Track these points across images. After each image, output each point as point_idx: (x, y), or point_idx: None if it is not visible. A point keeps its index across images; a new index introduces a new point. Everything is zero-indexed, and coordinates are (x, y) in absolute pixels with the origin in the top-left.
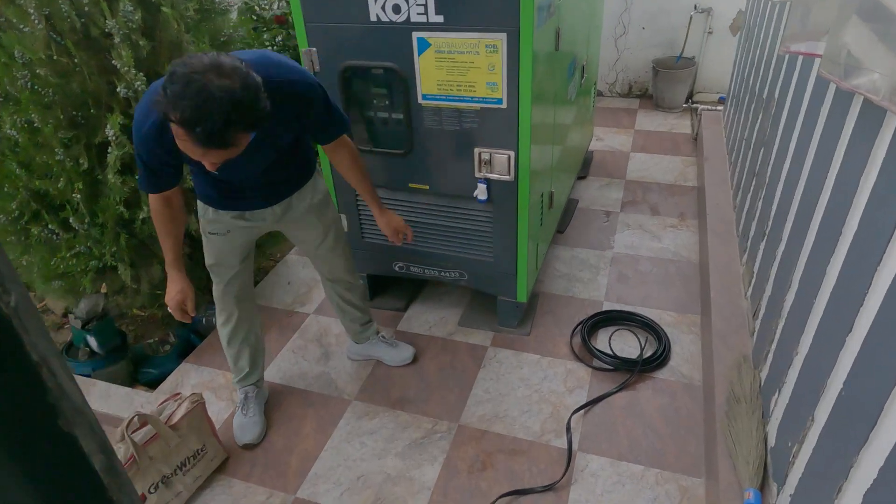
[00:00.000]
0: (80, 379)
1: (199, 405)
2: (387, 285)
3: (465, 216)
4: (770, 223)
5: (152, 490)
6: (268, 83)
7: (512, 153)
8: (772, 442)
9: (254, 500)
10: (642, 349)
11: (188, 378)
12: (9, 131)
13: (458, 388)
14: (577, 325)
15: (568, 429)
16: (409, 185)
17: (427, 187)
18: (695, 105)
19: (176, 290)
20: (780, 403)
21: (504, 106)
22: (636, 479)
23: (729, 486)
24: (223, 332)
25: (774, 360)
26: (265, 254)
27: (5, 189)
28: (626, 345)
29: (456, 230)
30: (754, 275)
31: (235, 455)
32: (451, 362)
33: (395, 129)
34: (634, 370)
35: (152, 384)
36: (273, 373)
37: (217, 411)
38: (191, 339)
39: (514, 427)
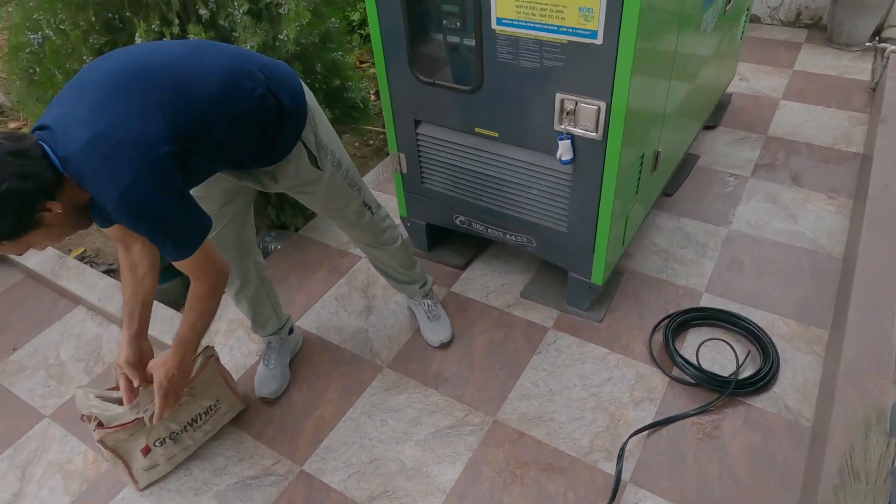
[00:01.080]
0: None
1: (211, 361)
2: (448, 237)
3: (538, 174)
4: None
5: (157, 444)
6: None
7: (603, 104)
8: None
9: (258, 464)
10: (740, 365)
11: (226, 312)
12: (47, 31)
13: (504, 374)
14: (663, 320)
15: (622, 454)
16: (476, 129)
17: (496, 135)
18: (882, 44)
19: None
20: None
21: (599, 42)
22: None
23: None
24: None
25: None
26: None
27: (48, 95)
28: (721, 356)
29: (526, 189)
30: None
31: (254, 407)
32: (503, 340)
33: (465, 58)
34: (724, 391)
35: None
36: (311, 321)
37: (247, 354)
38: None
39: (559, 436)
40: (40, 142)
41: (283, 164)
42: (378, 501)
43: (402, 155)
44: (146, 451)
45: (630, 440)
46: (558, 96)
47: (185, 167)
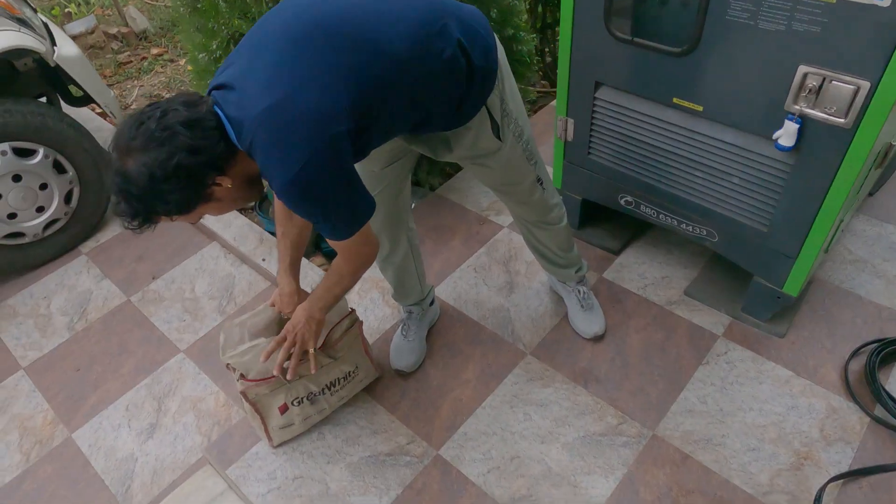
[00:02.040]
0: (267, 237)
1: (356, 326)
2: (603, 217)
3: (745, 161)
4: None
5: (295, 403)
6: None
7: (867, 84)
8: None
9: (393, 440)
10: None
11: None
12: None
13: (664, 382)
14: (863, 346)
15: (819, 501)
16: (675, 99)
17: (701, 108)
18: None
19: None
20: None
21: (884, 4)
22: None
23: None
24: None
25: None
26: None
27: (210, 25)
28: None
29: (725, 176)
30: None
31: (388, 377)
32: (662, 343)
33: (680, 13)
34: None
35: (330, 256)
36: (448, 290)
37: (381, 318)
38: None
39: (731, 466)
40: (215, 107)
41: (461, 130)
42: None
43: (571, 121)
44: (284, 408)
45: (826, 488)
46: (801, 69)
47: (359, 141)
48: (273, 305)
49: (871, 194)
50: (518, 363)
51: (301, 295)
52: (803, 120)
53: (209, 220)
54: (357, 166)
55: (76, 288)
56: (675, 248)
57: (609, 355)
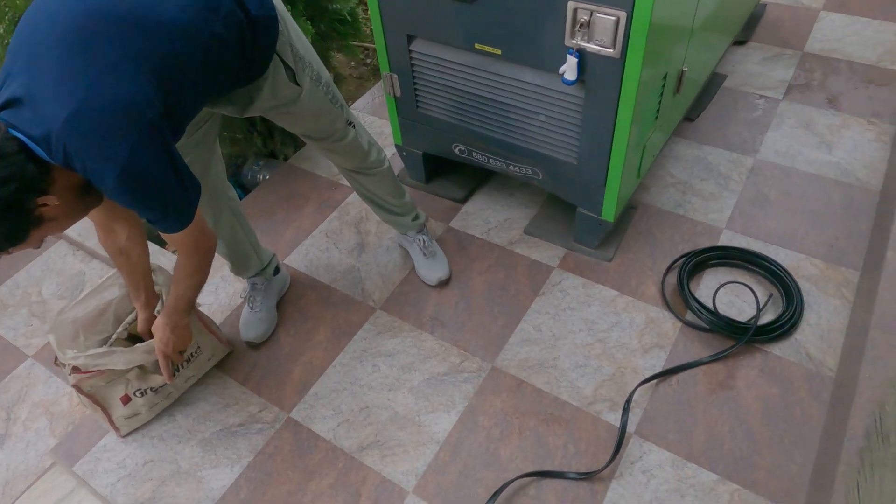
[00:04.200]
0: None
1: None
2: (448, 168)
3: (545, 98)
4: None
5: (138, 394)
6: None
7: (623, 14)
8: None
9: (245, 410)
10: (760, 309)
11: None
12: None
13: (504, 318)
14: (678, 260)
15: (627, 405)
16: (476, 45)
17: (499, 52)
18: None
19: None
20: None
21: None
22: (704, 492)
23: None
24: None
25: None
26: None
27: None
28: (739, 299)
29: (532, 115)
30: None
31: (239, 351)
32: (503, 281)
33: None
34: (742, 338)
35: None
36: (300, 258)
37: (232, 294)
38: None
39: (561, 385)
40: (10, 130)
41: (259, 82)
42: (368, 451)
43: (395, 76)
44: (126, 399)
45: (637, 390)
46: (571, 5)
47: (173, 121)
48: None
49: (691, 119)
50: (368, 319)
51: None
52: (581, 54)
53: None
54: None
55: None
56: (515, 191)
57: (454, 300)
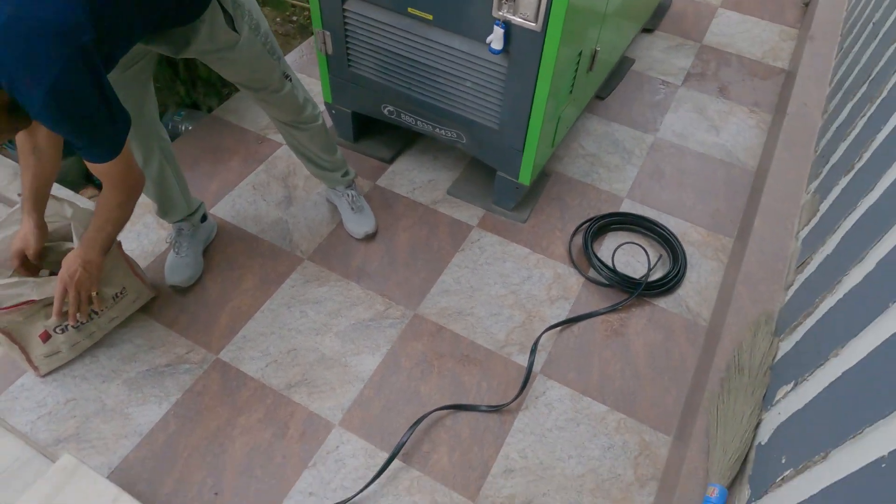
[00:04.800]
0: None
1: (113, 247)
2: (376, 129)
3: (471, 66)
4: (866, 156)
5: (58, 331)
6: None
7: None
8: (763, 438)
9: (171, 351)
10: (650, 268)
11: None
12: None
13: (426, 271)
14: (584, 224)
15: (534, 348)
16: (409, 9)
17: (431, 17)
18: None
19: (20, 234)
20: (791, 400)
21: None
22: (595, 420)
23: (693, 472)
24: None
25: (804, 341)
26: None
27: None
28: (635, 259)
29: (459, 81)
30: (818, 214)
31: (165, 296)
32: (426, 238)
33: None
34: (634, 292)
35: (101, 187)
36: (226, 209)
37: (156, 241)
38: None
39: (477, 331)
40: None
41: (196, 24)
42: (296, 389)
43: (328, 33)
44: (45, 336)
45: (543, 335)
46: None
47: (103, 50)
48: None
49: (601, 98)
50: (296, 268)
51: (44, 229)
52: (507, 25)
53: None
54: None
55: None
56: (440, 154)
57: (380, 253)
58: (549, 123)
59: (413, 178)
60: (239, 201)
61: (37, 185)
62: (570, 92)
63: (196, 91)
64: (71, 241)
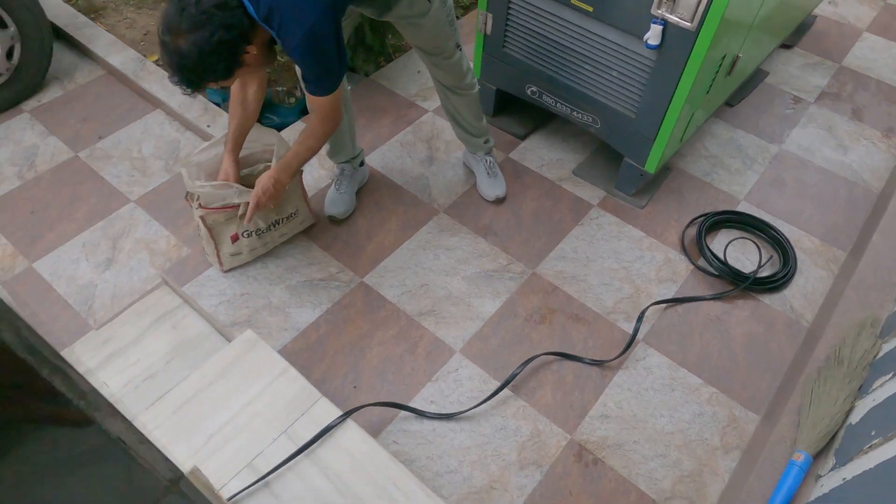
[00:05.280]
0: (211, 107)
1: (299, 175)
2: (513, 107)
3: (621, 57)
4: None
5: (245, 235)
6: None
7: None
8: (854, 419)
9: (326, 269)
10: (761, 265)
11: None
12: None
13: (546, 237)
14: (699, 217)
15: (641, 317)
16: (572, 0)
17: (591, 9)
18: None
19: (222, 169)
20: (888, 388)
21: None
22: (689, 390)
23: (781, 439)
24: None
25: None
26: (399, 36)
27: None
28: (745, 256)
29: (606, 70)
30: None
31: (322, 224)
32: (549, 209)
33: None
34: (741, 284)
35: None
36: (376, 159)
37: (317, 178)
38: None
39: (588, 295)
40: None
41: None
42: (426, 316)
43: (490, 15)
44: (235, 238)
45: (649, 308)
46: None
47: (341, 6)
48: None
49: (731, 105)
50: (432, 218)
51: (239, 164)
52: (665, 23)
53: (154, 87)
54: None
55: (22, 142)
56: (569, 137)
57: (507, 216)
58: (683, 119)
59: (542, 155)
60: (388, 155)
61: (239, 132)
62: (707, 92)
63: (357, 56)
64: (262, 163)
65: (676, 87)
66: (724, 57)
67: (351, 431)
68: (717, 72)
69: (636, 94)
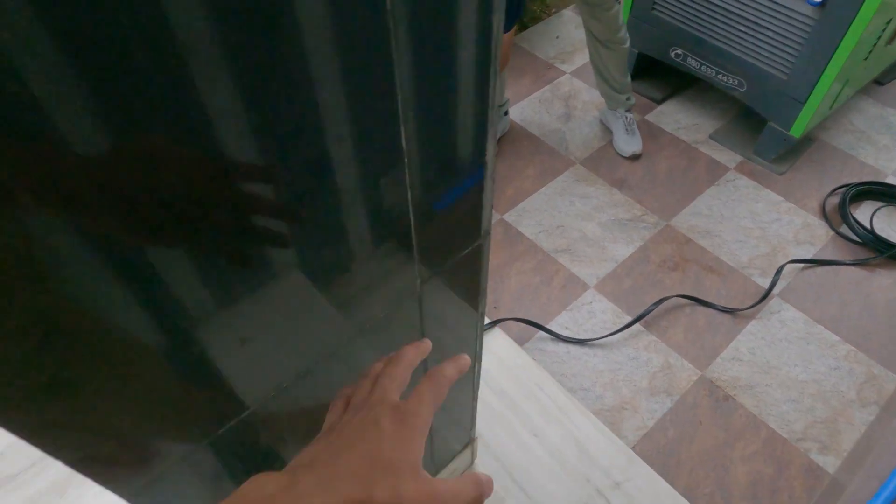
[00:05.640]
0: None
1: None
2: (653, 71)
3: (780, 16)
4: None
5: None
6: None
7: None
8: None
9: None
10: None
11: None
12: None
13: (681, 194)
14: (843, 186)
15: (779, 271)
16: None
17: None
18: None
19: None
20: None
21: None
22: (826, 345)
23: None
24: None
25: None
26: (544, 2)
27: None
28: (889, 227)
29: (762, 29)
30: None
31: None
32: (684, 168)
33: None
34: (886, 252)
35: None
36: (517, 113)
37: None
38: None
39: (722, 249)
40: None
41: None
42: (561, 254)
43: None
44: None
45: (787, 265)
46: None
47: None
48: None
49: (881, 83)
50: (569, 168)
51: None
52: None
53: None
54: None
55: None
56: (707, 103)
57: (641, 172)
58: (837, 83)
59: (679, 119)
60: (527, 110)
61: None
62: (865, 58)
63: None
64: None
65: (837, 48)
66: (888, 22)
67: (499, 339)
68: (879, 38)
69: (791, 55)
